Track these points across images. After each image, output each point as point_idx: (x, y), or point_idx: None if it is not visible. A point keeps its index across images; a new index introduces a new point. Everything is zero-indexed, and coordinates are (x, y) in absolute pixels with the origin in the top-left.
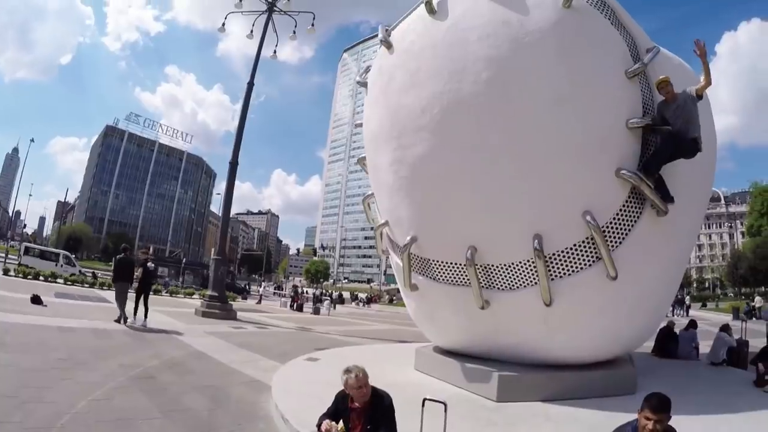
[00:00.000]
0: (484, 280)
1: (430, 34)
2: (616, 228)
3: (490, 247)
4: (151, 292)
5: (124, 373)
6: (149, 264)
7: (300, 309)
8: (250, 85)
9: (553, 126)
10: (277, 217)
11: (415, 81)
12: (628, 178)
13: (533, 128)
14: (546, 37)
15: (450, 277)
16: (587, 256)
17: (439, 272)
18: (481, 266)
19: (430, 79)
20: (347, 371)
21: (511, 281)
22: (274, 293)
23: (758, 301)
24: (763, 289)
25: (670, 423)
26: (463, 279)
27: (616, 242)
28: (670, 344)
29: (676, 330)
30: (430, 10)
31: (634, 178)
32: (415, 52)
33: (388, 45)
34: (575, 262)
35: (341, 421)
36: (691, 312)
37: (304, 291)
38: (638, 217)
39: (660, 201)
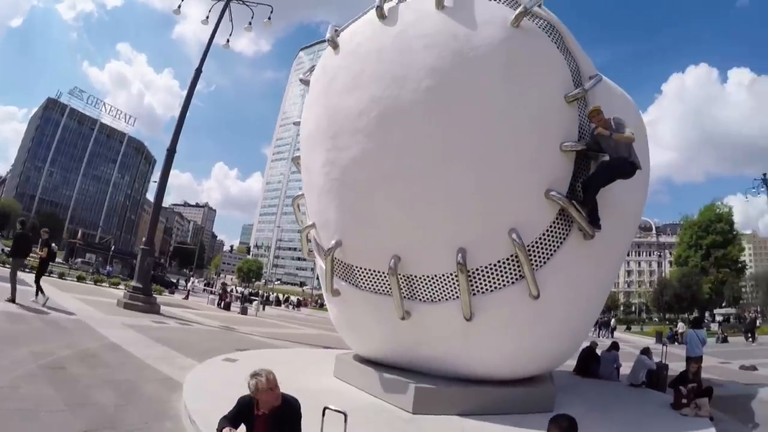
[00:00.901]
0: (406, 291)
1: (377, 39)
2: (542, 248)
3: (414, 258)
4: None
5: (34, 360)
6: (53, 245)
7: (227, 308)
8: (198, 71)
9: (487, 141)
10: (215, 211)
11: (357, 83)
12: (556, 199)
13: (467, 142)
14: (491, 53)
15: (372, 285)
16: (511, 273)
17: (362, 279)
18: (403, 276)
19: (372, 82)
20: (255, 375)
21: (433, 293)
22: (204, 290)
23: (681, 326)
24: (686, 315)
25: None
26: (386, 288)
27: (540, 262)
28: (592, 364)
29: (599, 351)
30: (381, 15)
31: (562, 200)
32: (361, 54)
33: (335, 45)
34: (498, 279)
35: (243, 427)
36: (617, 334)
37: (234, 289)
38: (564, 238)
39: (587, 225)
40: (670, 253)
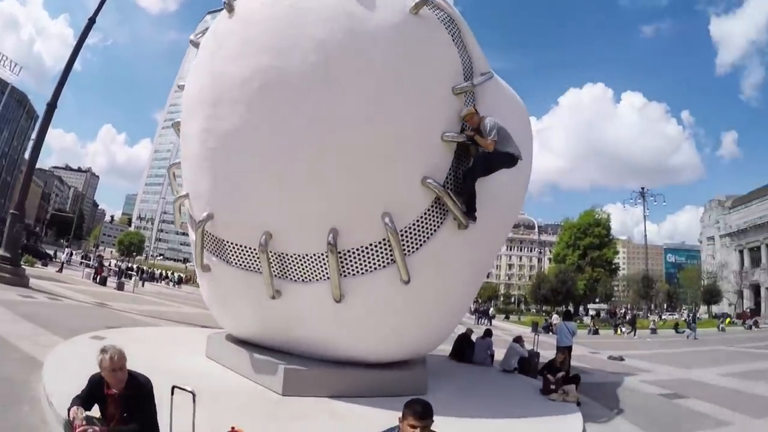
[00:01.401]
0: (277, 269)
1: (272, 7)
2: (415, 234)
3: (285, 235)
4: None
5: None
6: None
7: (103, 282)
8: (92, 20)
9: (368, 123)
10: (98, 177)
11: (244, 51)
12: (432, 187)
13: (347, 121)
14: (383, 35)
15: (243, 262)
16: (382, 257)
17: (233, 255)
18: (275, 254)
19: (259, 51)
20: (103, 351)
21: (305, 273)
22: (81, 263)
23: (555, 318)
24: (561, 308)
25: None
26: (257, 265)
27: (413, 247)
28: (467, 350)
29: (473, 337)
30: None
31: (438, 189)
32: (253, 21)
33: (230, 8)
34: (370, 262)
35: (96, 407)
36: (496, 322)
37: (111, 263)
38: (439, 226)
39: (462, 215)
40: (550, 251)
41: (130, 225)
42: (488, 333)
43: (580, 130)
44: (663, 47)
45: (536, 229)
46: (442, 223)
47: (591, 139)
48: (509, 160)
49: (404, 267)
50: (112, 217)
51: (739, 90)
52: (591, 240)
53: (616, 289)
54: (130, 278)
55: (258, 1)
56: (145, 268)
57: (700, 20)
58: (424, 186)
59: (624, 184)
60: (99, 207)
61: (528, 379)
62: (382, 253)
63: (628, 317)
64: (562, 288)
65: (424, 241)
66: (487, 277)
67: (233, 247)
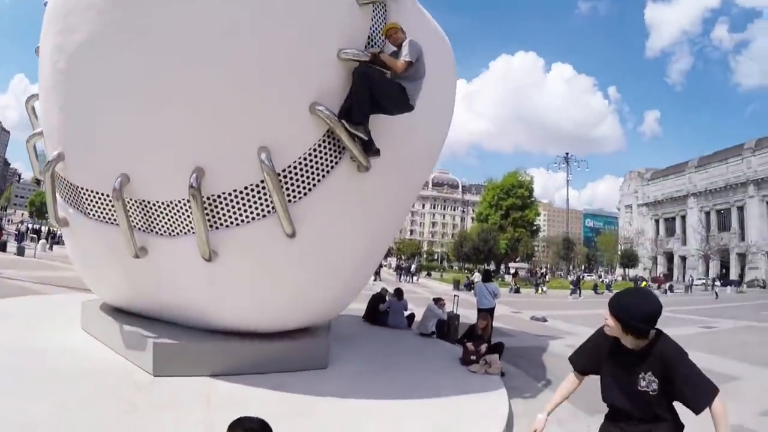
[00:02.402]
0: (140, 221)
1: None
2: (301, 175)
3: (146, 178)
4: None
5: None
6: None
7: (2, 248)
8: None
9: (243, 38)
10: (8, 133)
11: None
12: (323, 116)
13: (218, 35)
14: None
15: (102, 213)
16: (261, 204)
17: (90, 204)
18: (134, 201)
19: None
20: None
21: (172, 225)
22: None
23: (476, 276)
24: (484, 266)
25: None
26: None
27: (298, 192)
28: (382, 314)
29: (387, 298)
30: None
31: (330, 118)
32: None
33: None
34: (245, 211)
35: None
36: (420, 280)
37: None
38: (332, 167)
39: (361, 153)
40: (473, 210)
41: (38, 184)
42: (398, 293)
43: (509, 96)
44: (597, 24)
45: (460, 189)
46: (336, 163)
47: (518, 105)
48: (400, 100)
49: (286, 217)
50: (19, 176)
51: (665, 73)
52: (514, 201)
53: (536, 249)
54: (37, 241)
55: None
56: (55, 230)
57: (636, 3)
58: (314, 114)
59: (547, 151)
60: (11, 166)
61: (446, 346)
62: (260, 199)
63: (548, 277)
64: (484, 247)
65: (314, 185)
66: (410, 234)
67: (89, 195)
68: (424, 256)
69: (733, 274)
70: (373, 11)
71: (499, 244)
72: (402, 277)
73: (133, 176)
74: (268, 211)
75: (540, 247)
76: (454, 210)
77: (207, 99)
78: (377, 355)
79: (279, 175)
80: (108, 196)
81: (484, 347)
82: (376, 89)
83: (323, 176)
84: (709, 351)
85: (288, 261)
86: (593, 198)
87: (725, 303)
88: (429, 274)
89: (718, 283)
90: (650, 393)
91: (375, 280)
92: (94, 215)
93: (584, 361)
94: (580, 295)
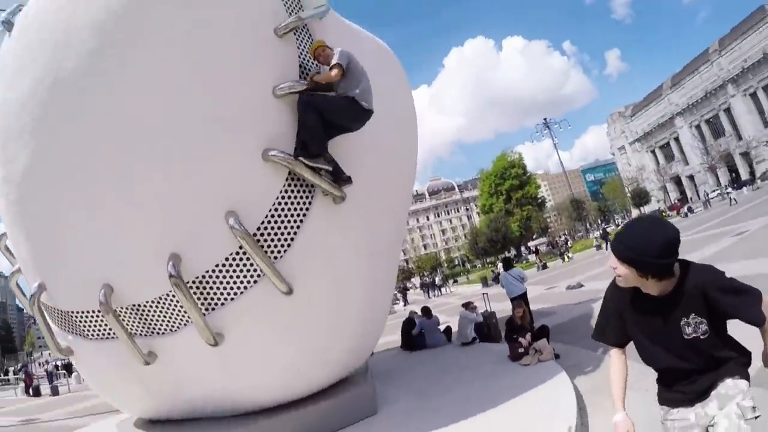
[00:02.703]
0: (138, 327)
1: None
2: (278, 228)
3: (129, 281)
4: None
5: None
6: None
7: (37, 392)
8: None
9: (176, 105)
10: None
11: (22, 65)
12: (279, 160)
13: (151, 110)
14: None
15: (99, 330)
16: (248, 270)
17: (85, 325)
18: (126, 309)
19: (34, 60)
20: None
21: (169, 321)
22: (16, 378)
23: (500, 267)
24: (504, 255)
25: None
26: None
27: (281, 246)
28: (418, 337)
29: (417, 320)
30: None
31: (286, 160)
32: (27, 25)
33: (9, 26)
34: (234, 283)
35: None
36: (449, 290)
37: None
38: (307, 209)
39: (330, 185)
40: (476, 205)
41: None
42: (426, 312)
43: (472, 85)
44: None
45: (456, 189)
46: (310, 202)
47: (483, 92)
48: (354, 110)
49: (276, 276)
50: (34, 318)
51: (611, 11)
52: (510, 182)
53: (549, 221)
54: (69, 375)
55: (35, 7)
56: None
57: None
58: (269, 161)
59: (526, 125)
60: (24, 311)
61: (492, 348)
62: (246, 266)
63: (570, 243)
64: (498, 236)
65: (295, 233)
66: (425, 249)
67: (81, 317)
68: (445, 265)
69: (744, 175)
70: (297, 38)
71: (511, 228)
72: (430, 293)
73: (115, 284)
74: (258, 275)
75: (552, 218)
76: (458, 211)
77: (161, 182)
78: (423, 383)
79: (255, 235)
80: (98, 312)
81: (528, 336)
82: (326, 112)
83: (301, 221)
84: (750, 256)
85: (296, 318)
86: (585, 153)
87: (746, 205)
88: (455, 281)
89: (730, 189)
90: (701, 338)
91: (404, 305)
92: (93, 335)
93: (611, 332)
94: (606, 246)
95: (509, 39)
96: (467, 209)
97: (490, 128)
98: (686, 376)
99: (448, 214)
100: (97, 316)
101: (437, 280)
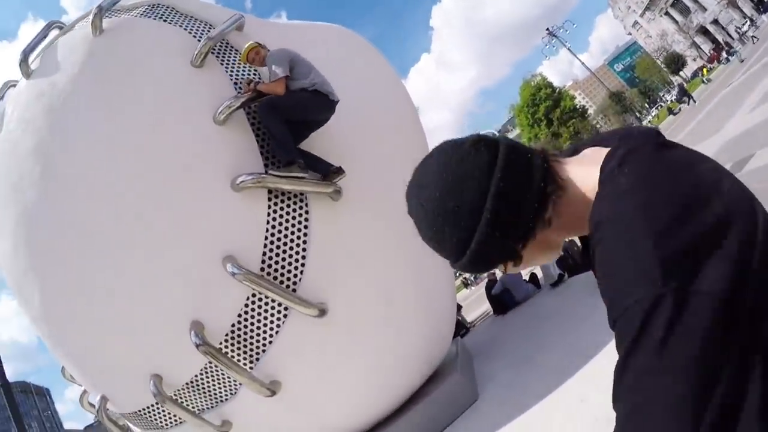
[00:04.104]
0: (202, 401)
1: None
2: (281, 256)
3: (170, 363)
4: None
5: None
6: None
7: None
8: None
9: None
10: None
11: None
12: (249, 184)
13: (106, 217)
14: (77, 85)
15: (170, 419)
16: (272, 309)
17: (159, 417)
18: (182, 389)
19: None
20: None
21: (223, 387)
22: None
23: None
24: None
25: None
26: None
27: (292, 272)
28: (504, 296)
29: (498, 278)
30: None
31: (256, 180)
32: None
33: None
34: (264, 325)
35: None
36: None
37: None
38: (306, 219)
39: (315, 184)
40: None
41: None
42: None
43: (467, 33)
44: None
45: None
46: (306, 212)
47: (481, 32)
48: (317, 101)
49: (296, 302)
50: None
51: None
52: (545, 105)
53: (598, 125)
54: None
55: None
56: None
57: None
58: (241, 190)
59: (535, 45)
60: (64, 427)
61: (581, 278)
62: (267, 304)
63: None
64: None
65: (303, 251)
66: None
67: (152, 411)
68: None
69: None
70: (219, 58)
71: (563, 149)
72: None
73: (161, 371)
74: (286, 308)
75: (599, 122)
76: None
77: (127, 305)
78: (521, 348)
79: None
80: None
81: None
82: (288, 111)
83: (304, 234)
84: None
85: (341, 338)
86: (604, 46)
87: None
88: None
89: (754, 14)
90: None
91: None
92: (167, 424)
93: None
94: (689, 102)
95: None
96: None
97: (504, 63)
98: None
99: None
100: (156, 408)
101: None
